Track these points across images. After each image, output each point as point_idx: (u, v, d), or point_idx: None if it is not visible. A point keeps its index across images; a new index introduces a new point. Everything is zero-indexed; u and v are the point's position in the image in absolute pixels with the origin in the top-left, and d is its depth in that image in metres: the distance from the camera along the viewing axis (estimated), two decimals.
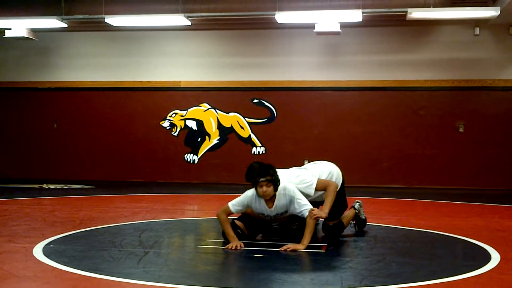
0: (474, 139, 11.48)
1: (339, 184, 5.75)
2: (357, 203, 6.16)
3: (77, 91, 12.68)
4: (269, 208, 5.25)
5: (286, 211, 5.29)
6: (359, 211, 6.10)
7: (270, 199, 5.24)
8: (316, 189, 5.48)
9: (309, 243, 5.16)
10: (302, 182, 5.46)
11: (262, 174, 5.12)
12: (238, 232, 5.35)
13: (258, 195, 5.20)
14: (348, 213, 6.02)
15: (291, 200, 5.22)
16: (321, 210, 5.33)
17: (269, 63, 12.09)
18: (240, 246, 5.11)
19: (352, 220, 6.10)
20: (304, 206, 5.21)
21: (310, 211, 5.17)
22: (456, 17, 10.17)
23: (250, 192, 5.29)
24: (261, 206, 5.27)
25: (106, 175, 12.46)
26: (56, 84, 12.75)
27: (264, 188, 5.11)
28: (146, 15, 10.50)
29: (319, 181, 5.51)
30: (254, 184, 5.17)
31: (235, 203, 5.30)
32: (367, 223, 6.25)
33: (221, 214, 5.31)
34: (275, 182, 5.15)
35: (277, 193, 5.22)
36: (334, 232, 5.73)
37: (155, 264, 4.52)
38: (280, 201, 5.24)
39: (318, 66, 11.92)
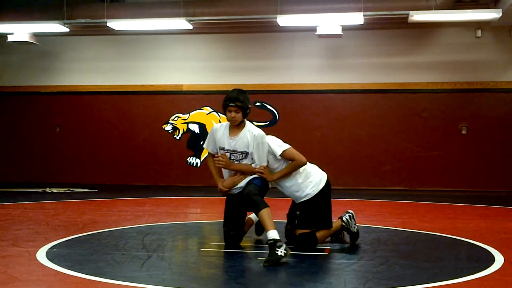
0: (477, 141, 11.47)
1: (322, 184, 5.35)
2: (347, 214, 5.59)
3: (80, 95, 12.71)
4: (231, 136, 5.25)
5: (246, 155, 5.22)
6: (347, 224, 5.53)
7: (237, 128, 5.25)
8: (284, 155, 5.26)
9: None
10: (275, 142, 5.35)
11: (232, 99, 5.15)
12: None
13: (228, 119, 5.24)
14: (335, 224, 5.50)
15: (257, 144, 5.17)
16: (269, 173, 5.27)
17: (271, 66, 12.11)
18: (224, 187, 5.37)
19: (339, 234, 5.60)
20: (261, 162, 5.21)
21: (260, 166, 5.20)
22: (458, 19, 10.17)
23: (218, 124, 5.41)
24: (224, 134, 5.27)
25: (108, 179, 12.48)
26: (58, 88, 12.77)
27: (233, 114, 5.15)
28: (148, 19, 10.51)
29: (291, 150, 5.31)
30: (224, 108, 5.21)
31: (206, 142, 5.45)
32: (372, 226, 6.24)
33: (208, 159, 5.55)
34: (245, 109, 5.17)
35: (247, 129, 5.24)
36: (301, 242, 5.27)
37: (158, 267, 4.52)
38: (245, 136, 5.21)
39: (320, 69, 11.92)
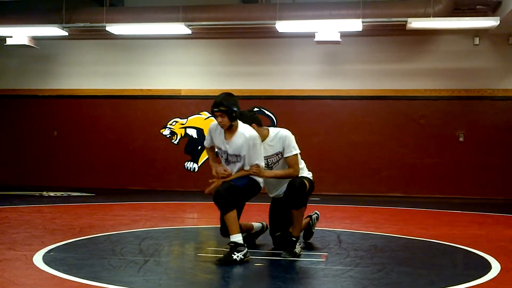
0: (474, 148, 11.49)
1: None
2: (315, 214, 6.04)
3: (78, 99, 12.71)
4: (226, 140, 5.22)
5: (240, 158, 5.17)
6: (313, 224, 5.96)
7: (229, 131, 5.21)
8: (289, 159, 5.32)
9: (309, 252, 5.20)
10: (290, 143, 5.36)
11: (215, 104, 5.12)
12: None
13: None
14: (304, 221, 5.76)
15: (249, 146, 5.11)
16: (263, 171, 5.25)
17: (269, 72, 12.12)
18: (221, 172, 5.25)
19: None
20: (252, 162, 5.16)
21: (251, 166, 5.15)
22: (456, 27, 10.19)
23: (215, 122, 5.32)
24: (220, 136, 5.27)
25: (106, 183, 12.46)
26: (56, 91, 12.77)
27: (219, 119, 5.12)
28: (147, 23, 10.51)
29: (296, 158, 5.35)
30: (212, 114, 5.20)
31: (206, 141, 5.47)
32: (369, 232, 6.25)
33: (206, 149, 5.59)
34: (229, 113, 5.07)
35: (239, 132, 5.17)
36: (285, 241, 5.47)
37: (155, 272, 4.52)
38: (238, 140, 5.16)
39: (318, 75, 11.94)
